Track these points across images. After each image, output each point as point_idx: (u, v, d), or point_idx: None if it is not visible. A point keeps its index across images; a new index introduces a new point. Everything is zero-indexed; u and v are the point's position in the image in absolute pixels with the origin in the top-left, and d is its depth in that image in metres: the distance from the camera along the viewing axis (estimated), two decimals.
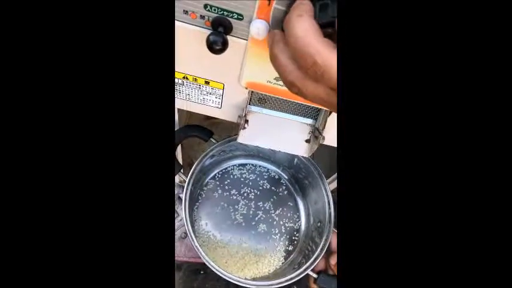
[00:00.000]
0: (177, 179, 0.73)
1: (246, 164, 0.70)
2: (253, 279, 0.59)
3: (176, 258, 0.71)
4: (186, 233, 0.73)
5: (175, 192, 0.77)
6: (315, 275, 0.55)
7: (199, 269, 0.81)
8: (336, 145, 0.50)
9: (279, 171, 0.71)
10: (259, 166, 0.71)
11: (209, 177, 0.68)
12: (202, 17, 0.33)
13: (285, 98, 0.41)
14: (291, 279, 0.53)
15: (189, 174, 0.57)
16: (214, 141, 0.60)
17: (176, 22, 0.33)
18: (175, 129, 0.61)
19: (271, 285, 0.53)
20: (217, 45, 0.31)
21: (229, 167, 0.70)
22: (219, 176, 0.69)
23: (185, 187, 0.56)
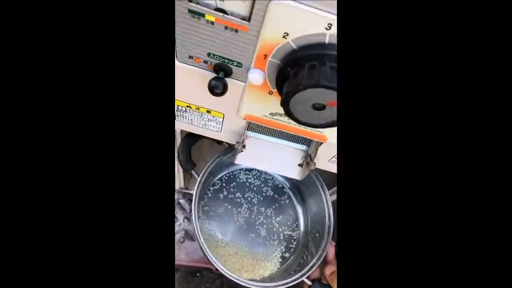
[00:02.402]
0: (177, 185, 0.77)
1: (253, 170, 0.74)
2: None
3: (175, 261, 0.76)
4: (184, 237, 0.78)
5: (175, 197, 0.81)
6: (309, 282, 0.58)
7: (196, 272, 0.86)
8: (326, 169, 0.53)
9: (283, 180, 0.74)
10: (265, 173, 0.74)
11: (216, 178, 0.72)
12: (205, 62, 0.35)
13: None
14: (287, 283, 0.57)
15: (201, 174, 0.60)
16: (227, 144, 0.64)
17: (182, 64, 0.36)
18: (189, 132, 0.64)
19: (268, 287, 0.57)
20: (218, 89, 0.34)
21: (236, 170, 0.73)
22: (226, 178, 0.72)
23: (196, 185, 0.59)
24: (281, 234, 0.70)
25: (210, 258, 0.55)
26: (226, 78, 0.36)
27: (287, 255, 0.68)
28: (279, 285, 0.57)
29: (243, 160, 0.50)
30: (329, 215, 0.63)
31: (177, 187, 0.79)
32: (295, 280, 0.57)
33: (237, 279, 0.56)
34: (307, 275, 0.58)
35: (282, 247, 0.69)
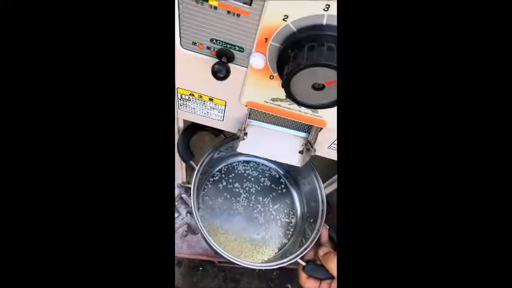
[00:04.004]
0: (179, 179, 0.78)
1: (250, 162, 0.76)
2: None
3: (177, 254, 0.77)
4: (187, 231, 0.79)
5: (177, 192, 0.82)
6: (303, 263, 0.61)
7: (198, 266, 0.88)
8: (326, 156, 0.55)
9: (280, 170, 0.77)
10: (262, 164, 0.77)
11: (215, 170, 0.74)
12: (208, 48, 0.37)
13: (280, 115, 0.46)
14: (282, 263, 0.59)
15: (199, 165, 0.62)
16: (224, 136, 0.66)
17: (186, 51, 0.38)
18: (189, 124, 0.66)
19: (264, 267, 0.60)
20: (221, 73, 0.36)
21: (234, 162, 0.75)
22: (225, 169, 0.75)
23: (194, 175, 0.61)
24: (278, 222, 0.72)
25: (210, 243, 0.57)
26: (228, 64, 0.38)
27: (285, 241, 0.70)
28: (274, 265, 0.59)
29: (244, 148, 0.52)
30: (322, 200, 0.66)
31: (179, 181, 0.81)
32: (290, 260, 0.60)
33: (234, 259, 0.58)
34: (301, 255, 0.60)
35: (280, 233, 0.71)
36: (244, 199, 0.73)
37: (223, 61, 0.37)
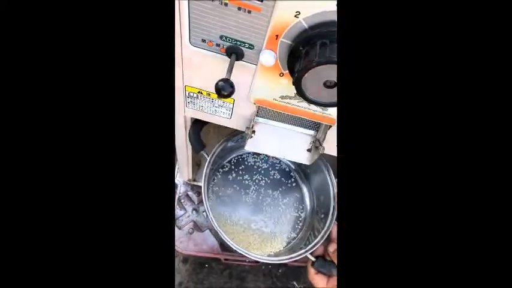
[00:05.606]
0: (185, 177, 0.78)
1: (260, 154, 0.76)
2: None
3: (184, 252, 0.78)
4: (193, 228, 0.80)
5: (183, 190, 0.83)
6: (313, 258, 0.61)
7: (204, 263, 0.88)
8: (335, 154, 0.53)
9: (290, 164, 0.76)
10: (272, 157, 0.76)
11: (225, 161, 0.74)
12: (218, 45, 0.37)
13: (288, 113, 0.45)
14: (291, 258, 0.59)
15: (210, 155, 0.62)
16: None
17: (195, 48, 0.38)
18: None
19: (273, 260, 0.60)
20: (225, 91, 0.35)
21: (244, 154, 0.75)
22: (235, 161, 0.75)
23: (206, 166, 0.61)
24: (288, 215, 0.72)
25: (220, 233, 0.58)
26: (237, 61, 0.37)
27: (293, 235, 0.70)
28: (283, 259, 0.59)
29: (252, 146, 0.52)
30: (334, 196, 0.65)
31: (185, 179, 0.81)
32: (299, 255, 0.59)
33: (242, 251, 0.58)
34: (311, 251, 0.60)
35: (289, 227, 0.71)
36: (253, 191, 0.73)
37: (227, 78, 0.35)
